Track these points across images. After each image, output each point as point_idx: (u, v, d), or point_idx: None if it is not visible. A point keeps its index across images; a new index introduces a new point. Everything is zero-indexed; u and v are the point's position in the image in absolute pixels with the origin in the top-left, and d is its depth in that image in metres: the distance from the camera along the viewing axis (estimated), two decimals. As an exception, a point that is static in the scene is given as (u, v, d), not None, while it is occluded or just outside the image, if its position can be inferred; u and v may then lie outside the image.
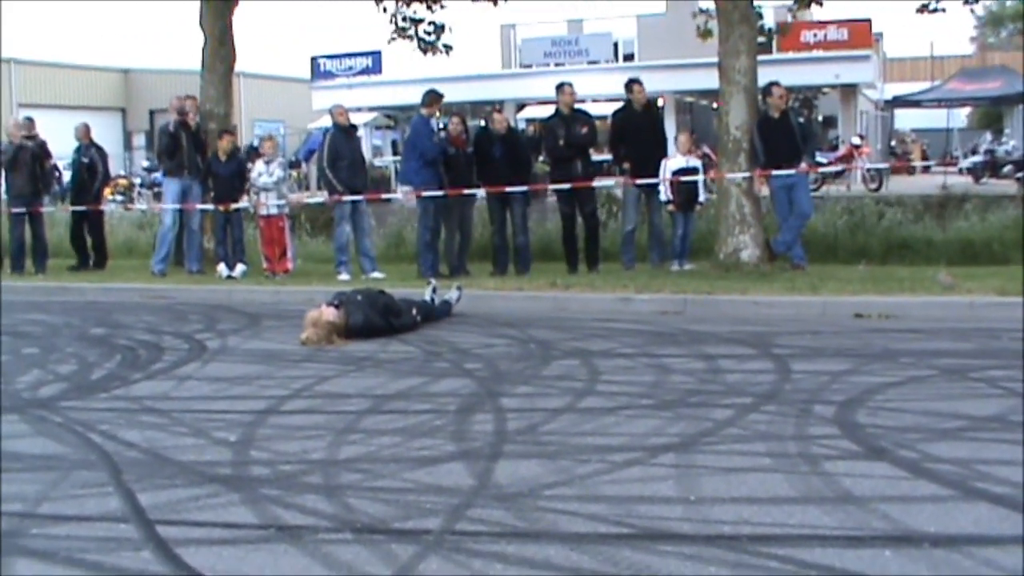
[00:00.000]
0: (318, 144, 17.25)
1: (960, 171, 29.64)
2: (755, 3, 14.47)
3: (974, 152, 31.91)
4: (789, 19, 20.09)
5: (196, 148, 15.54)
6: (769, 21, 17.39)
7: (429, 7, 18.01)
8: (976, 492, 4.87)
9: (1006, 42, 64.38)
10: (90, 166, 16.84)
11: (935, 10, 16.35)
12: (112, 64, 50.61)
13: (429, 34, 18.18)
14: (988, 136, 35.02)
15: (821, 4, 16.65)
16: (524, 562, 4.19)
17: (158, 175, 18.27)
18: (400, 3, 18.04)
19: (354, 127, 15.69)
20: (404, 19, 18.06)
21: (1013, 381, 7.18)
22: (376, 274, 14.29)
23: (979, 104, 37.03)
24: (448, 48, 18.31)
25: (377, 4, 17.99)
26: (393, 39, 18.40)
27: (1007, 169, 28.64)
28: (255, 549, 4.44)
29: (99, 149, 17.28)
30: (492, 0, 17.84)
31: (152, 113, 45.27)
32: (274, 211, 14.79)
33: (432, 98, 14.54)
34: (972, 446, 5.65)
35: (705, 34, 16.45)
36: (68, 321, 11.61)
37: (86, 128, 17.14)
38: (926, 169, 31.30)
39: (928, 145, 38.48)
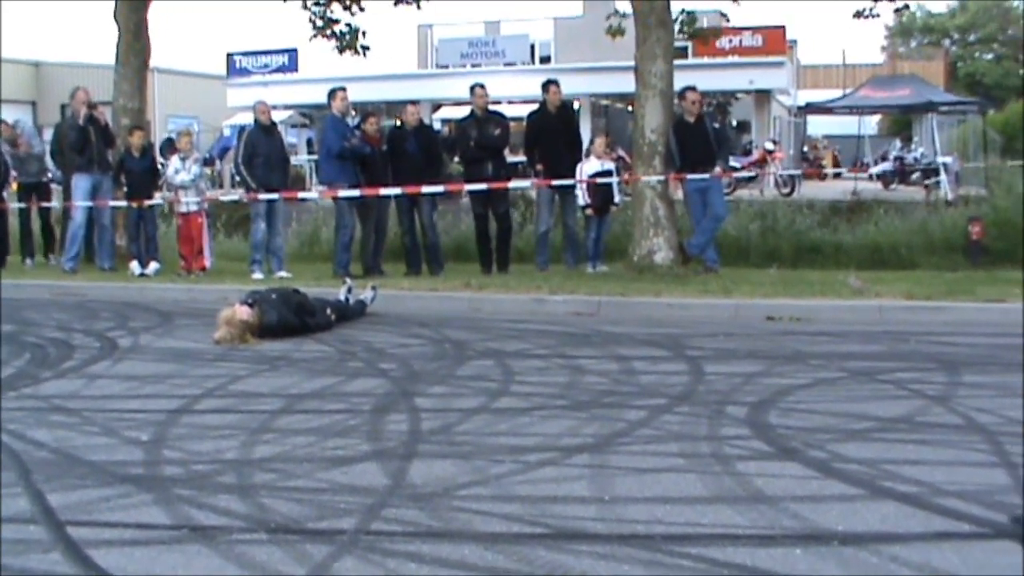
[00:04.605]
0: (233, 142, 17.05)
1: (870, 177, 30.13)
2: (683, 6, 14.61)
3: (884, 159, 32.41)
4: (705, 23, 20.32)
5: (105, 142, 15.30)
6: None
7: (347, 8, 17.95)
8: (883, 491, 4.97)
9: (915, 52, 65.74)
10: None
11: (869, 15, 16.69)
12: (23, 56, 49.60)
13: (345, 35, 18.11)
14: (898, 143, 35.60)
15: (738, 2, 16.90)
16: (438, 562, 4.19)
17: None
18: (319, 4, 17.95)
19: (275, 124, 15.51)
20: (322, 18, 17.98)
21: (920, 383, 7.34)
22: (282, 273, 14.17)
23: (889, 112, 37.62)
24: (365, 49, 18.25)
25: None
26: (314, 36, 18.33)
27: (916, 176, 29.20)
28: (168, 550, 4.39)
29: None
30: (416, 3, 17.92)
31: (64, 107, 44.31)
32: (192, 208, 14.66)
33: (337, 94, 14.45)
34: (880, 446, 5.76)
35: (615, 32, 16.53)
36: (-26, 318, 11.39)
37: None
38: (837, 175, 31.79)
39: (840, 151, 39.01)
